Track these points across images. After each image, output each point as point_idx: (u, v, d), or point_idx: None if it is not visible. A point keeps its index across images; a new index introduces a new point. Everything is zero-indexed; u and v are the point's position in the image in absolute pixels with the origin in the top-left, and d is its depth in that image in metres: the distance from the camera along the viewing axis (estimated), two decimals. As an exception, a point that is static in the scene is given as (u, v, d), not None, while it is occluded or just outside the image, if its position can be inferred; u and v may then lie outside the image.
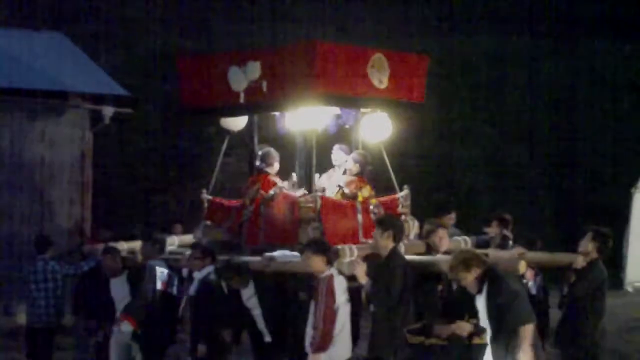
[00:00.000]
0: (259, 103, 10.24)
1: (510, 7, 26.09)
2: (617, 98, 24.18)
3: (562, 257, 9.62)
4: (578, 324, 9.09)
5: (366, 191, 10.24)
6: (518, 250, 9.60)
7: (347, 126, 10.85)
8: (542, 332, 9.05)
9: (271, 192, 10.30)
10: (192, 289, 9.95)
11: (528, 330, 7.93)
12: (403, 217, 10.29)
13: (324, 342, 8.73)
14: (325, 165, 10.84)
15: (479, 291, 8.08)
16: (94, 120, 16.53)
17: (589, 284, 9.10)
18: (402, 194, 10.60)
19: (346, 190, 10.28)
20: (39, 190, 16.06)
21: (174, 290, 10.25)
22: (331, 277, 8.78)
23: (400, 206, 10.54)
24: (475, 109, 24.27)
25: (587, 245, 9.21)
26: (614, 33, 24.60)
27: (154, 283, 10.09)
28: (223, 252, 10.07)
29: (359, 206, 10.10)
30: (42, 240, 12.19)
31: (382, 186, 10.79)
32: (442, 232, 9.44)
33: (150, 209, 19.93)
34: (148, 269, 10.17)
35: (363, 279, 8.86)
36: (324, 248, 8.89)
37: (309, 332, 8.91)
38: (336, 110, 10.53)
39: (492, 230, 11.12)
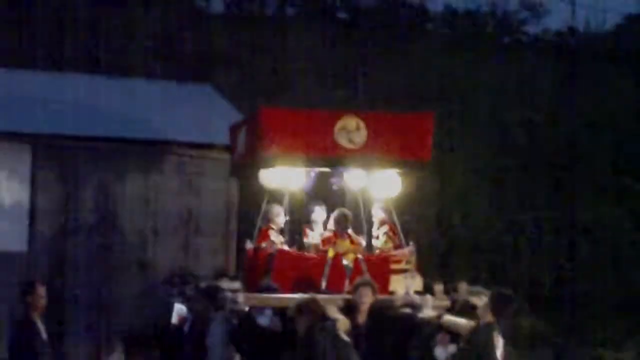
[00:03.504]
0: (242, 164, 12.11)
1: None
2: None
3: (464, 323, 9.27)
4: None
5: (342, 247, 10.99)
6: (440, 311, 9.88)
7: (334, 187, 11.78)
8: None
9: (263, 244, 11.35)
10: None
11: None
12: (406, 272, 11.08)
13: None
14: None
15: None
16: (241, 170, 16.67)
17: (471, 350, 8.65)
18: (407, 250, 11.33)
19: (318, 245, 11.25)
20: (184, 240, 16.26)
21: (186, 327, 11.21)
22: (207, 319, 10.30)
23: (404, 262, 11.23)
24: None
25: (484, 308, 8.84)
26: None
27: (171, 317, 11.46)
28: None
29: (329, 261, 10.82)
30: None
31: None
32: (363, 290, 10.09)
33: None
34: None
35: None
36: (209, 295, 10.46)
37: None
38: (312, 170, 11.45)
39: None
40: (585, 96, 24.17)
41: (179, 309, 11.44)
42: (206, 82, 19.25)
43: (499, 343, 8.70)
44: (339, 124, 10.73)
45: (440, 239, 20.38)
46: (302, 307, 9.13)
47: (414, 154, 11.06)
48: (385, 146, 10.90)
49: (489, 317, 8.79)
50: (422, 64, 24.51)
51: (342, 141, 10.73)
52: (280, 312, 10.10)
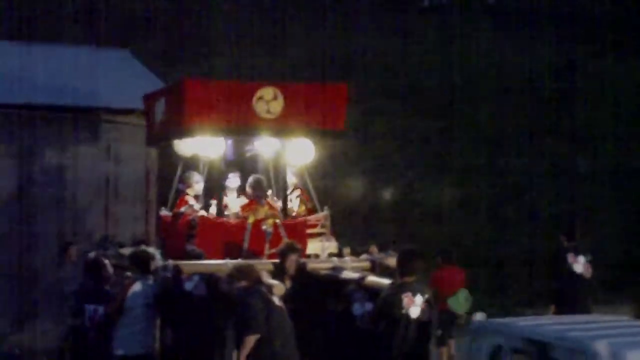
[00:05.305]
0: (161, 134, 12.12)
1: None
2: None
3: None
4: None
5: (261, 212, 11.24)
6: (363, 272, 10.32)
7: (248, 154, 12.24)
8: None
9: (182, 209, 11.55)
10: None
11: (247, 341, 8.78)
12: (322, 236, 11.49)
13: None
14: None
15: None
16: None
17: (380, 309, 9.08)
18: (321, 215, 11.68)
19: (238, 212, 11.42)
20: (103, 207, 16.15)
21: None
22: (132, 282, 10.22)
23: (319, 226, 11.60)
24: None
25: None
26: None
27: None
28: None
29: (249, 226, 11.09)
30: None
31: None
32: (291, 256, 10.36)
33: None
34: None
35: None
36: (137, 260, 10.45)
37: None
38: (229, 139, 11.66)
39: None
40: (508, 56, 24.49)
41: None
42: (125, 47, 19.05)
43: (416, 301, 8.92)
44: (257, 94, 11.03)
45: (362, 203, 20.54)
46: (239, 272, 9.34)
47: (328, 123, 11.45)
48: (300, 115, 11.28)
49: (399, 278, 9.08)
50: (344, 32, 24.59)
51: (260, 111, 11.04)
52: (206, 277, 10.25)
